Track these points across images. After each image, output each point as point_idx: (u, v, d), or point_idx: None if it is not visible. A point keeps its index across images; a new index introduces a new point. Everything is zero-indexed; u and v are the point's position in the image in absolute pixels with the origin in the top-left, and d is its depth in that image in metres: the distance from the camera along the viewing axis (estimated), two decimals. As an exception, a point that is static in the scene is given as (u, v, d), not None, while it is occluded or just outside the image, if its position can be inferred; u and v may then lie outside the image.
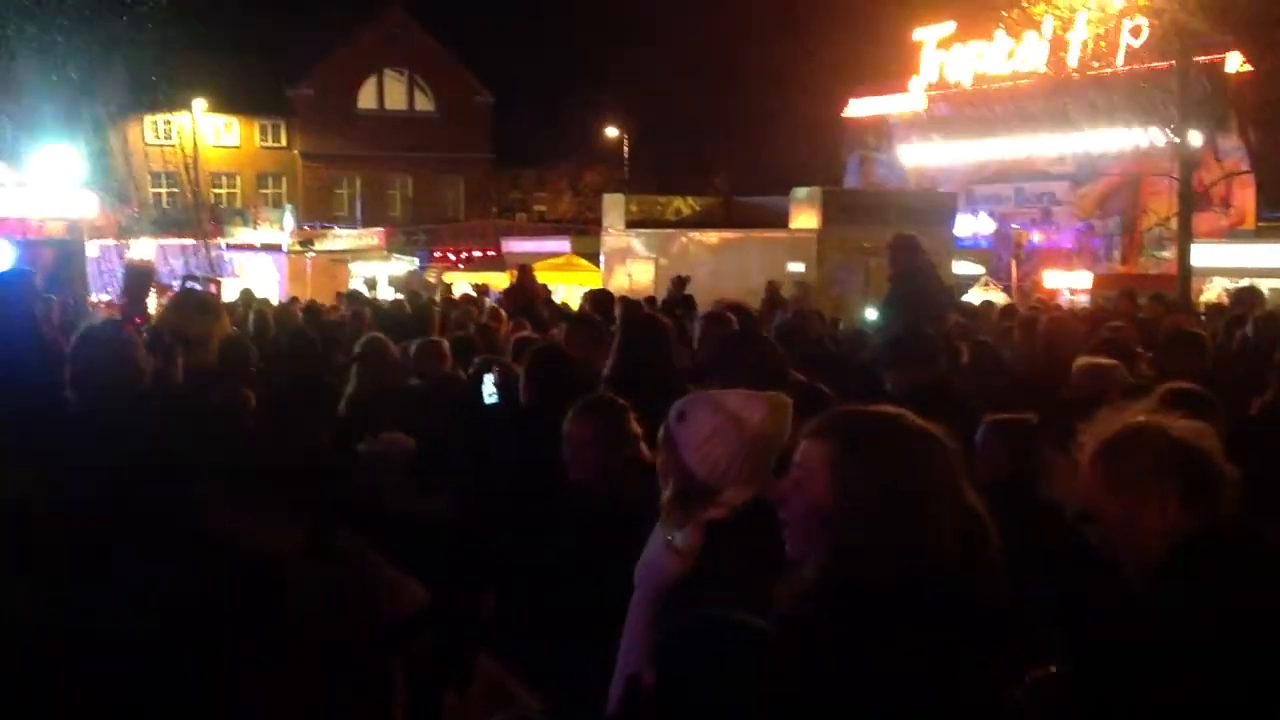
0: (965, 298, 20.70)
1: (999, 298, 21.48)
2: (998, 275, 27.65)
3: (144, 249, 22.79)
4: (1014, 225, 30.31)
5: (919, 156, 33.15)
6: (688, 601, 2.68)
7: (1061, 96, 27.76)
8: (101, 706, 4.40)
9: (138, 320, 7.55)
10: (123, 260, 18.69)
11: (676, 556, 3.03)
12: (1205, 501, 2.53)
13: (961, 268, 24.97)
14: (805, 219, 18.42)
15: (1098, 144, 27.81)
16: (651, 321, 6.22)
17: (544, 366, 5.23)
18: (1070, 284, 26.00)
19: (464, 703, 3.77)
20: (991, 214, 31.00)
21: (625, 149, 54.96)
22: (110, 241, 21.61)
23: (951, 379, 6.11)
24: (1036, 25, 27.48)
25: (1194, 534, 2.50)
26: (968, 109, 31.34)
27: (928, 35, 32.90)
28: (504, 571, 4.31)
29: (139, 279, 9.42)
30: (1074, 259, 28.76)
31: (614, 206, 21.51)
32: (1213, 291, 19.97)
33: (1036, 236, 29.97)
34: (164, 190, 42.59)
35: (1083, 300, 22.27)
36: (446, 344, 7.38)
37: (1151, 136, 25.15)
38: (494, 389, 5.71)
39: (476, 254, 32.09)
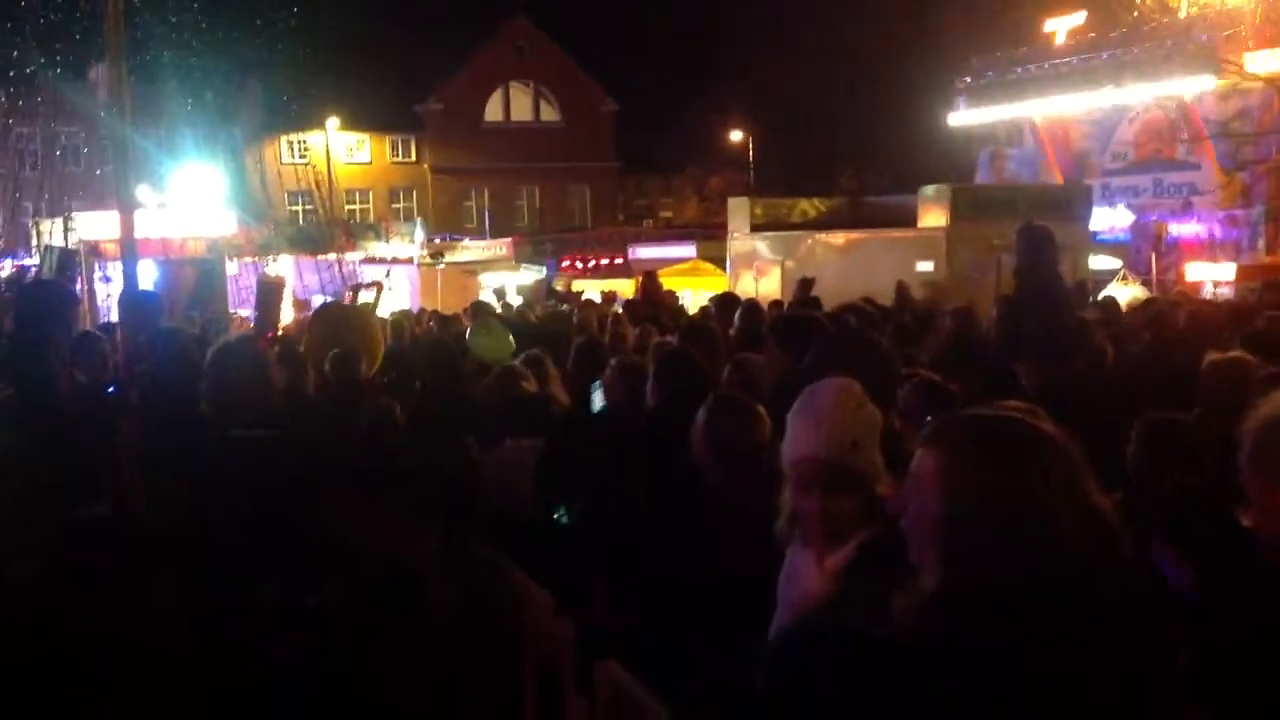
0: (1104, 292, 20.18)
1: (1139, 292, 20.88)
2: (1137, 269, 26.89)
3: (281, 266, 23.35)
4: (1153, 217, 29.48)
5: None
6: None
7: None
8: (248, 716, 4.52)
9: (270, 335, 7.75)
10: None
11: (828, 577, 2.98)
12: None
13: (1099, 262, 24.32)
14: (933, 217, 18.11)
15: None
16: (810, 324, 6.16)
17: (671, 370, 5.21)
18: (1214, 276, 25.18)
19: (590, 710, 3.77)
20: (1129, 206, 30.19)
21: (750, 152, 54.84)
22: (249, 259, 22.22)
23: (1092, 375, 5.93)
24: (1173, 12, 26.72)
25: None
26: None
27: (1059, 26, 32.22)
28: (634, 577, 4.30)
29: (270, 294, 9.67)
30: (1217, 250, 27.86)
31: (739, 210, 21.41)
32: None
33: (1175, 228, 29.08)
34: (300, 208, 43.69)
35: (1226, 293, 21.55)
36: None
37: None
38: (602, 399, 5.74)
39: (603, 261, 32.27)
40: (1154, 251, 28.40)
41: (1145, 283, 24.83)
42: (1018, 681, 1.99)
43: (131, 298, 7.61)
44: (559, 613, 4.15)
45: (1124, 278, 24.49)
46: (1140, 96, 29.55)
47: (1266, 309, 10.35)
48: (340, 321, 6.59)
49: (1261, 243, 27.87)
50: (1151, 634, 2.10)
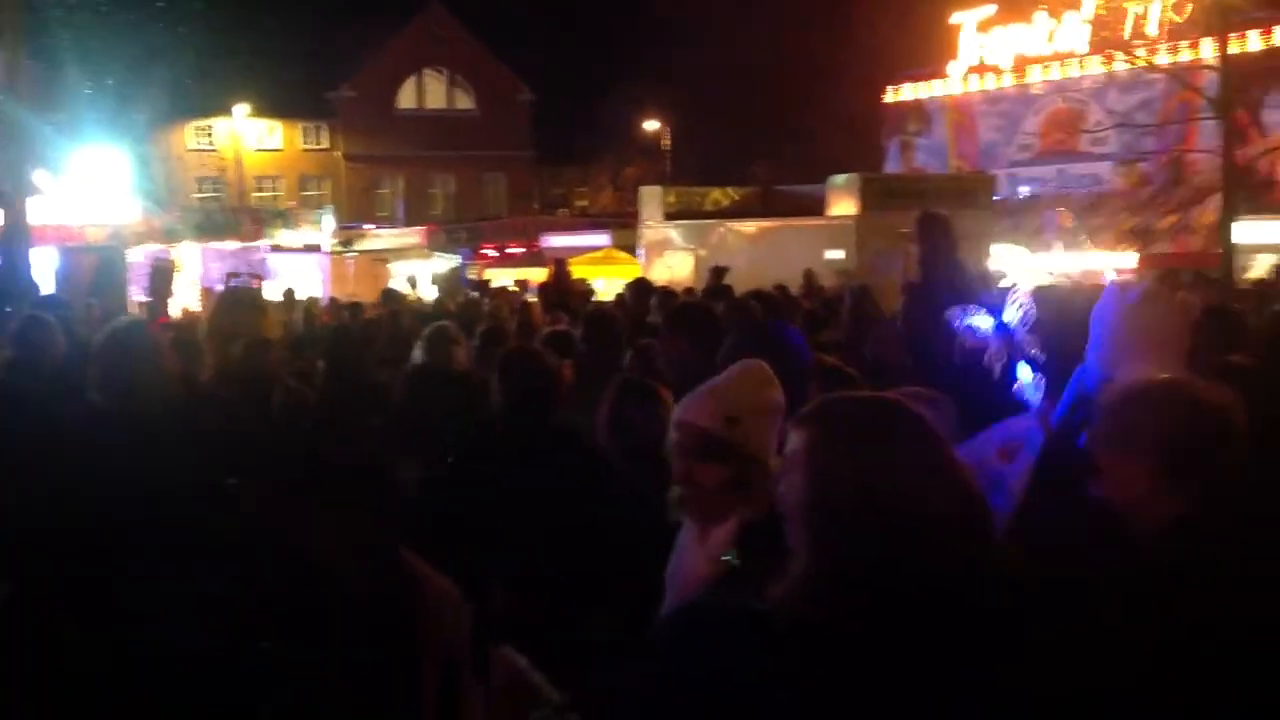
0: (1007, 280, 20.49)
1: (1043, 280, 21.23)
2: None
3: (186, 253, 22.94)
4: (1059, 208, 30.03)
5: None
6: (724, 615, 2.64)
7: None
8: (153, 707, 4.44)
9: (162, 319, 7.61)
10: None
11: (709, 558, 2.98)
12: (1192, 476, 2.47)
13: (1004, 251, 24.72)
14: (843, 206, 18.32)
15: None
16: (703, 312, 6.18)
17: (513, 369, 5.17)
18: (1115, 265, 25.71)
19: (486, 695, 3.75)
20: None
21: (666, 142, 54.90)
22: (153, 246, 21.77)
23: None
24: (1077, 5, 27.18)
25: (1181, 511, 2.45)
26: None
27: (967, 19, 32.68)
28: (535, 563, 4.29)
29: (162, 277, 9.49)
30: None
31: (651, 199, 21.49)
32: (1259, 269, 19.66)
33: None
34: (207, 195, 43.01)
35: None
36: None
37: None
38: None
39: (517, 250, 32.16)
40: (1058, 239, 28.93)
41: (1049, 271, 25.28)
42: (888, 664, 2.01)
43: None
44: (459, 599, 4.12)
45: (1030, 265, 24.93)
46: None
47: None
48: (243, 307, 6.47)
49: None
50: (1019, 615, 2.13)
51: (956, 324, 4.44)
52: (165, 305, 8.53)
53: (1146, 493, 2.51)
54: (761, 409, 3.06)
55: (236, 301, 6.75)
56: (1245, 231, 19.66)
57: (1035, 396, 4.00)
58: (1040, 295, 5.21)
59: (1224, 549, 2.42)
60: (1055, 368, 4.41)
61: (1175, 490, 2.49)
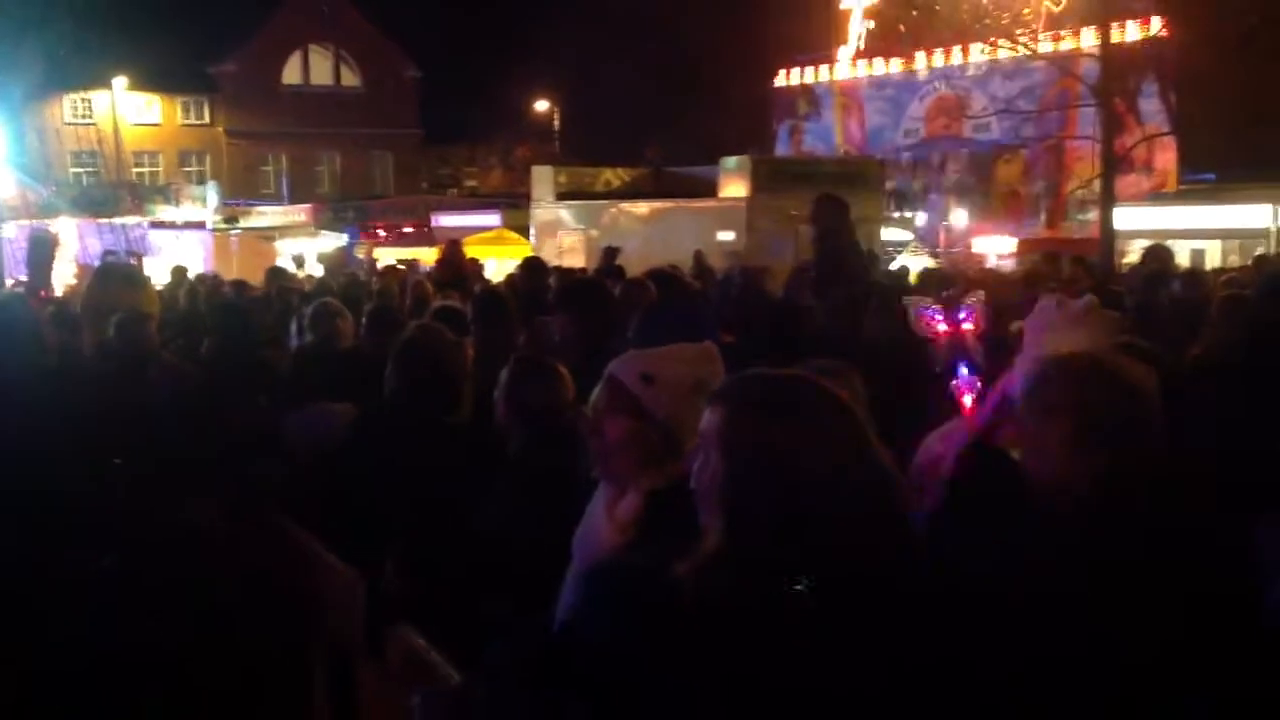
0: (896, 262, 20.84)
1: (928, 262, 21.62)
2: (926, 241, 27.87)
3: (63, 228, 22.29)
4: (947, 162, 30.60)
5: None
6: (629, 580, 2.63)
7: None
8: (24, 680, 4.31)
9: (42, 294, 7.38)
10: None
11: (616, 527, 2.97)
12: (1108, 440, 2.54)
13: (891, 234, 25.12)
14: (735, 188, 18.43)
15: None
16: (595, 289, 6.19)
17: (406, 354, 5.12)
18: (997, 249, 26.27)
19: (381, 675, 3.71)
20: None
21: (556, 123, 54.71)
22: (27, 222, 21.11)
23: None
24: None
25: (1096, 474, 2.52)
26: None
27: (855, 4, 33.04)
28: (425, 539, 4.24)
29: (42, 250, 9.20)
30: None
31: (542, 179, 21.42)
32: (1136, 254, 20.22)
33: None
34: (84, 170, 41.77)
35: (1009, 265, 22.49)
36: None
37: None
38: None
39: (407, 230, 31.79)
40: (942, 224, 29.48)
41: (934, 254, 25.76)
42: (792, 646, 2.02)
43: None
44: (349, 577, 4.07)
45: (914, 249, 25.37)
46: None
47: (1047, 279, 10.85)
48: (120, 282, 6.29)
49: (1043, 217, 29.20)
50: (931, 597, 2.15)
51: (913, 310, 4.46)
52: (46, 279, 8.27)
53: (1064, 457, 2.57)
54: (684, 379, 3.04)
55: (113, 277, 6.56)
56: (1123, 217, 20.19)
57: (969, 400, 4.05)
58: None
59: (1135, 510, 2.48)
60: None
61: (1090, 455, 2.55)
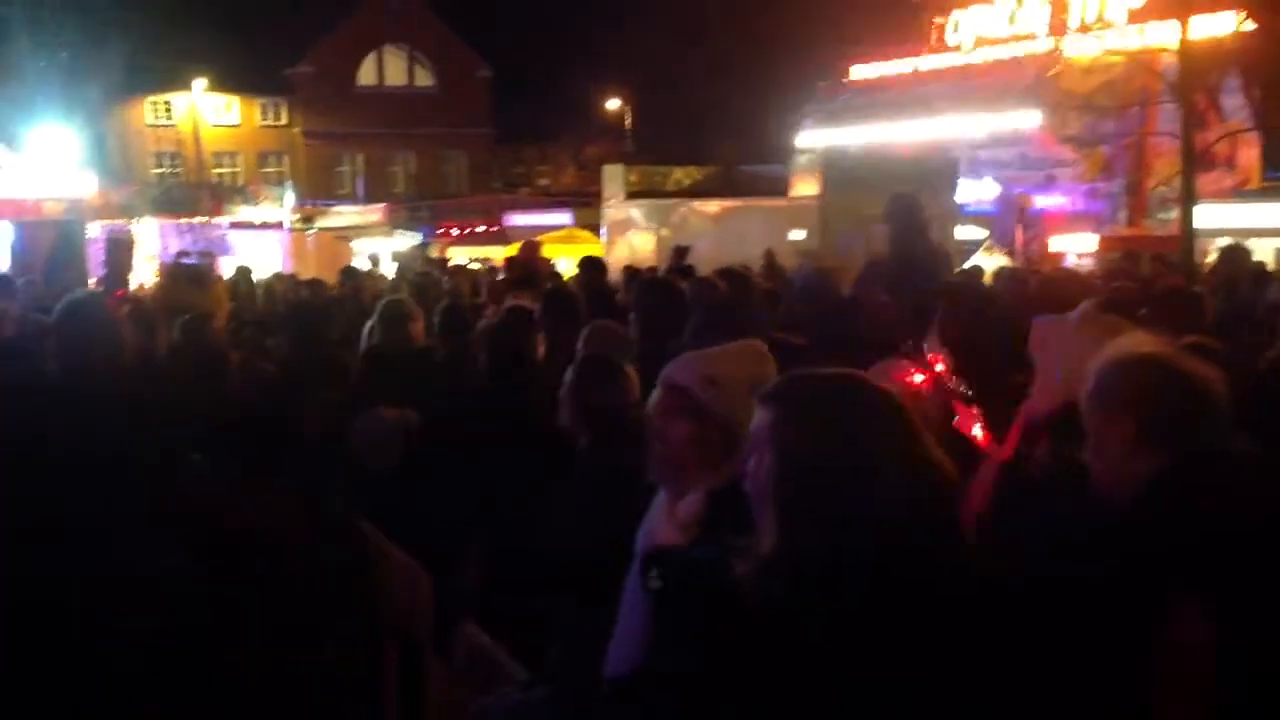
0: (970, 262, 20.59)
1: (1004, 261, 21.34)
2: (1002, 240, 27.48)
3: (144, 229, 22.71)
4: (1017, 190, 30.13)
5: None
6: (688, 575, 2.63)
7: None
8: (98, 681, 4.39)
9: (118, 293, 7.50)
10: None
11: (678, 527, 2.97)
12: (1171, 440, 2.49)
13: (966, 233, 24.81)
14: (806, 186, 18.34)
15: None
16: (668, 290, 6.20)
17: (499, 338, 5.16)
18: (1076, 247, 25.85)
19: (449, 672, 3.73)
20: (996, 179, 30.83)
21: (628, 121, 54.76)
22: (111, 221, 21.52)
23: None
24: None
25: (1162, 472, 2.47)
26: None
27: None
28: (496, 537, 4.27)
29: (119, 251, 9.39)
30: (1079, 222, 28.58)
31: (613, 178, 21.45)
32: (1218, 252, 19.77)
33: (1040, 200, 29.77)
34: (165, 170, 42.56)
35: (1088, 264, 22.14)
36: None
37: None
38: None
39: (479, 229, 32.00)
40: (1019, 223, 29.05)
41: (1010, 253, 25.40)
42: (848, 646, 2.00)
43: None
44: (419, 575, 4.09)
45: (989, 248, 25.03)
46: (977, 129, 30.15)
47: (1122, 278, 10.67)
48: (185, 282, 6.40)
49: (1122, 215, 28.68)
50: (983, 595, 2.13)
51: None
52: (123, 279, 8.46)
53: (1125, 455, 2.53)
54: (742, 380, 3.06)
55: (179, 277, 6.67)
56: (1205, 215, 19.79)
57: (978, 432, 4.00)
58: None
59: (1192, 508, 2.43)
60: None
61: (1152, 454, 2.50)
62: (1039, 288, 7.34)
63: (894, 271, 8.36)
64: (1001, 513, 2.81)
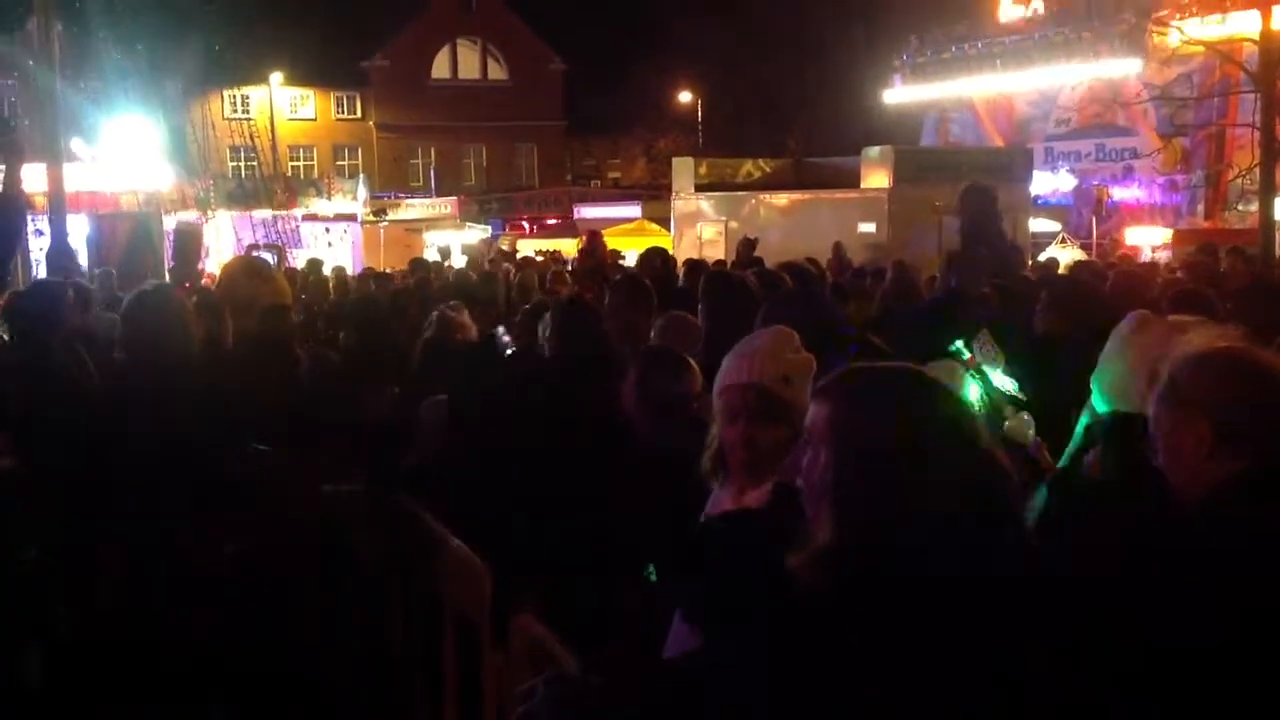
0: (1044, 255, 20.35)
1: (1078, 254, 21.07)
2: (1077, 233, 27.14)
3: (219, 221, 23.07)
4: (1094, 181, 29.71)
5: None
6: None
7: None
8: (170, 661, 4.47)
9: (187, 284, 7.61)
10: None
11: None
12: (1249, 443, 2.41)
13: (1040, 225, 24.52)
14: (876, 178, 18.16)
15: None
16: (733, 284, 6.17)
17: (568, 318, 5.18)
18: (1151, 240, 25.45)
19: (505, 662, 3.74)
20: (1071, 170, 30.42)
21: (699, 113, 54.68)
22: (188, 214, 21.89)
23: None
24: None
25: (1237, 477, 2.39)
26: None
27: (1003, -2, 32.30)
28: (544, 529, 4.27)
29: (187, 242, 9.52)
30: (1156, 214, 28.14)
31: (683, 170, 21.34)
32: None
33: (1116, 192, 29.34)
34: (241, 164, 43.10)
35: (1164, 256, 21.78)
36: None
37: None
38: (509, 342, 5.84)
39: (550, 221, 32.16)
40: (1094, 215, 28.65)
41: (1085, 246, 25.07)
42: (906, 642, 1.97)
43: (57, 251, 7.47)
44: (477, 565, 4.11)
45: (1063, 240, 24.72)
46: (1074, 77, 29.85)
47: (1197, 271, 10.46)
48: (247, 274, 6.47)
49: (1200, 208, 28.17)
50: (1046, 592, 2.09)
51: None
52: (191, 271, 8.60)
53: (1202, 456, 2.46)
54: (807, 370, 3.05)
55: (242, 270, 6.76)
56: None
57: (1029, 436, 3.94)
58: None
59: (1272, 509, 2.36)
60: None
61: (1230, 454, 2.43)
62: (1116, 283, 7.21)
63: (970, 262, 8.25)
64: (1059, 519, 2.77)
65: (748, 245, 13.66)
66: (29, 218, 18.32)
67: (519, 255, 21.13)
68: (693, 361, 4.34)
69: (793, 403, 3.01)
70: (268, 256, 15.71)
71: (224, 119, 48.62)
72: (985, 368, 4.21)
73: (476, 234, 30.62)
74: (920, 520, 2.02)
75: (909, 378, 2.21)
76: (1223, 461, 2.44)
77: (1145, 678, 2.25)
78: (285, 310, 6.45)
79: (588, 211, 31.03)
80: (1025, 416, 4.01)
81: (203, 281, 9.89)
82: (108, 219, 18.36)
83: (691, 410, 4.10)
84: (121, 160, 20.44)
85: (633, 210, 29.94)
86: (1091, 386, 3.63)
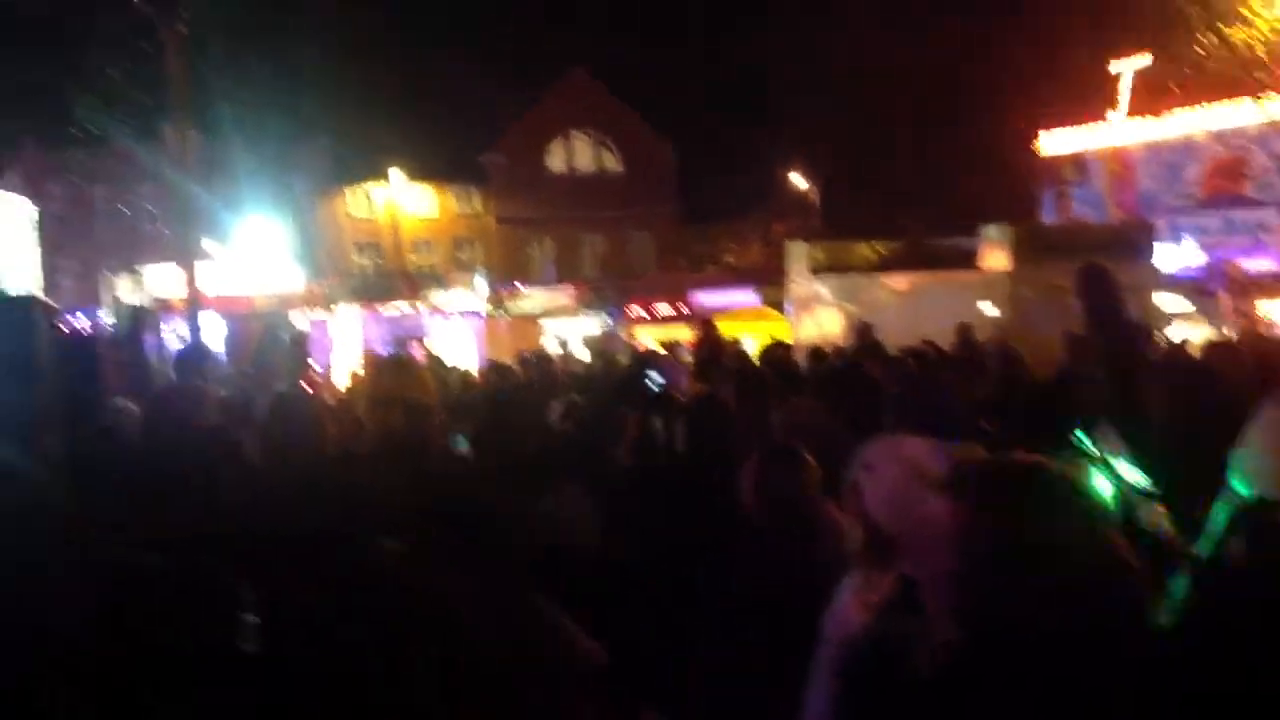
0: (1174, 331, 19.84)
1: (1209, 332, 20.51)
2: (1208, 308, 26.45)
3: (347, 316, 23.63)
4: (1223, 255, 29.03)
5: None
6: (875, 656, 2.59)
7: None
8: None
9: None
10: (326, 330, 19.45)
11: (865, 609, 2.94)
12: None
13: (1168, 301, 23.96)
14: (996, 258, 17.96)
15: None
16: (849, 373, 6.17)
17: (700, 414, 5.20)
18: (1281, 314, 24.71)
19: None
20: (1199, 243, 29.77)
21: (814, 196, 54.75)
22: (317, 313, 22.48)
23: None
24: (1237, 50, 26.43)
25: None
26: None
27: (1124, 67, 31.93)
28: (674, 621, 4.26)
29: (296, 347, 9.87)
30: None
31: (797, 254, 21.31)
32: None
33: (1247, 266, 28.60)
34: (364, 260, 44.24)
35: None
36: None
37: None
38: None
39: (665, 308, 32.31)
40: (1226, 290, 27.93)
41: (1217, 323, 24.39)
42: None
43: (184, 354, 7.72)
44: (596, 656, 4.10)
45: (1194, 317, 24.10)
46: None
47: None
48: (393, 371, 6.61)
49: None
50: (1172, 683, 2.03)
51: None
52: (303, 371, 9.02)
53: None
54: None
55: (385, 367, 6.92)
56: None
57: (1164, 529, 3.83)
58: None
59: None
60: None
61: None
62: (1257, 361, 6.98)
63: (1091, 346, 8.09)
64: (1202, 609, 2.68)
65: (864, 330, 13.57)
66: (165, 319, 19.05)
67: (642, 348, 21.23)
68: (810, 458, 4.33)
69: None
70: (416, 352, 16.11)
71: (349, 216, 50.09)
72: (1110, 459, 4.11)
73: (595, 323, 30.90)
74: (1043, 612, 1.99)
75: (1031, 470, 2.17)
76: None
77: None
78: (429, 411, 6.58)
79: (705, 298, 31.12)
80: (1158, 508, 3.89)
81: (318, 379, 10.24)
82: (240, 319, 18.96)
83: (804, 509, 4.10)
84: (253, 261, 21.13)
85: (748, 295, 29.94)
86: (1230, 470, 3.52)
